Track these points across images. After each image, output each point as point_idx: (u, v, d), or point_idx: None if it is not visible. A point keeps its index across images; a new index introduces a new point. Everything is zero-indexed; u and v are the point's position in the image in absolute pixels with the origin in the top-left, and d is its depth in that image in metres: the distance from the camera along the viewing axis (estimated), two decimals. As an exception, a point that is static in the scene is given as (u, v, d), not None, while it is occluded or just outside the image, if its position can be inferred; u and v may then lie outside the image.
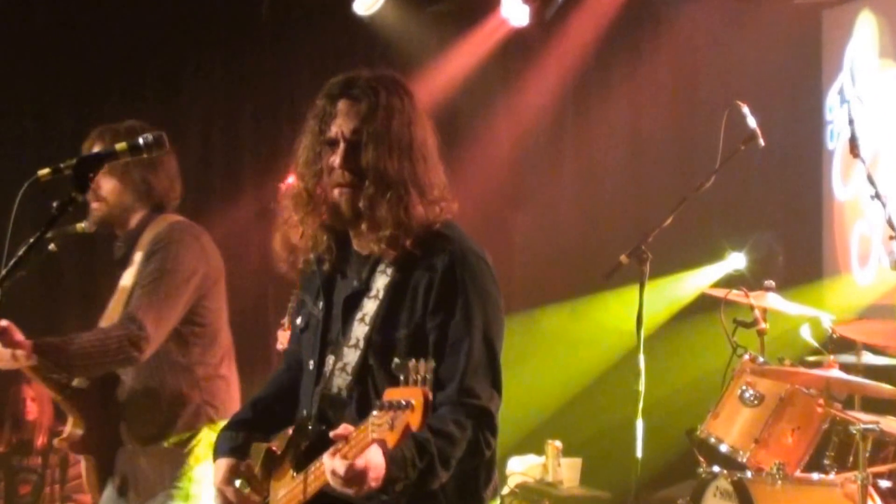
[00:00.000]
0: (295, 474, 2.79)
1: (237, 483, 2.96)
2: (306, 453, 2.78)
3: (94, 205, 3.99)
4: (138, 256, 3.96)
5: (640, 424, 4.73)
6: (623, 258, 4.95)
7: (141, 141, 2.71)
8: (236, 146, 7.67)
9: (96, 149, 3.98)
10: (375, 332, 2.75)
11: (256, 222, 7.37)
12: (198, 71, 7.55)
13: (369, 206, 2.71)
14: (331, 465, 2.47)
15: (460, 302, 2.70)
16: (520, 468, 6.48)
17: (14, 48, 6.95)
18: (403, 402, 2.30)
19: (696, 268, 6.72)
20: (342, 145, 2.74)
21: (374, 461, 2.44)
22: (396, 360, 2.40)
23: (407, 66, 7.29)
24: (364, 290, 2.80)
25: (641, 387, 4.75)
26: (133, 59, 7.28)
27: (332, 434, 2.51)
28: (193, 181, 7.48)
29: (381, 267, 2.78)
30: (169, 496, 3.91)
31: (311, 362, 2.88)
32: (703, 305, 6.26)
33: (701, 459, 4.97)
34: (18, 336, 3.56)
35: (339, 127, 2.74)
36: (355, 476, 2.43)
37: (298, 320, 2.99)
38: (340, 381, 2.78)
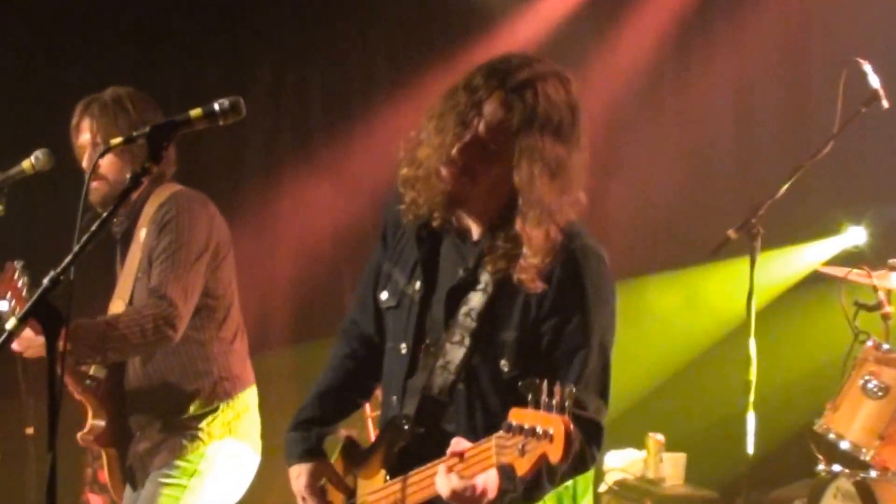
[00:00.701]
0: (388, 478, 2.83)
1: (321, 483, 3.00)
2: (400, 456, 2.84)
3: (94, 184, 4.01)
4: (143, 232, 4.00)
5: (751, 417, 4.73)
6: (731, 233, 4.93)
7: (217, 106, 2.69)
8: (307, 109, 7.71)
9: (86, 122, 4.05)
10: (483, 331, 2.78)
11: (329, 192, 7.43)
12: (265, 33, 7.62)
13: (524, 228, 2.73)
14: (447, 482, 2.57)
15: (580, 306, 2.75)
16: (618, 463, 6.43)
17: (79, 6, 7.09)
18: (540, 430, 2.32)
19: (808, 242, 6.66)
20: (469, 137, 2.73)
21: (493, 482, 2.55)
22: (527, 379, 2.40)
23: (487, 21, 7.27)
24: (472, 281, 2.81)
25: (752, 376, 4.74)
26: (196, 19, 7.37)
27: (449, 451, 2.59)
28: (261, 148, 7.62)
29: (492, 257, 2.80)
30: (174, 467, 3.97)
31: (404, 346, 2.91)
32: (817, 284, 6.21)
33: (819, 457, 4.94)
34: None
35: (480, 121, 2.73)
36: (473, 496, 2.54)
37: (384, 295, 3.00)
38: (441, 381, 2.81)
